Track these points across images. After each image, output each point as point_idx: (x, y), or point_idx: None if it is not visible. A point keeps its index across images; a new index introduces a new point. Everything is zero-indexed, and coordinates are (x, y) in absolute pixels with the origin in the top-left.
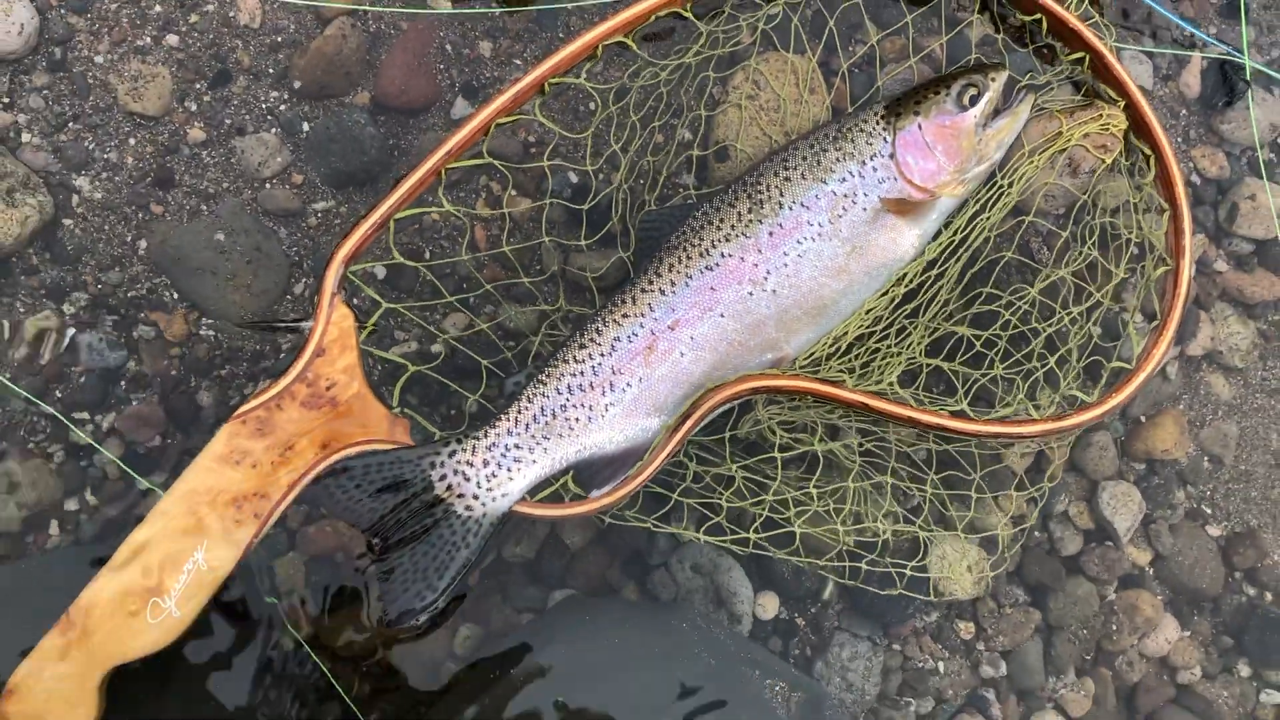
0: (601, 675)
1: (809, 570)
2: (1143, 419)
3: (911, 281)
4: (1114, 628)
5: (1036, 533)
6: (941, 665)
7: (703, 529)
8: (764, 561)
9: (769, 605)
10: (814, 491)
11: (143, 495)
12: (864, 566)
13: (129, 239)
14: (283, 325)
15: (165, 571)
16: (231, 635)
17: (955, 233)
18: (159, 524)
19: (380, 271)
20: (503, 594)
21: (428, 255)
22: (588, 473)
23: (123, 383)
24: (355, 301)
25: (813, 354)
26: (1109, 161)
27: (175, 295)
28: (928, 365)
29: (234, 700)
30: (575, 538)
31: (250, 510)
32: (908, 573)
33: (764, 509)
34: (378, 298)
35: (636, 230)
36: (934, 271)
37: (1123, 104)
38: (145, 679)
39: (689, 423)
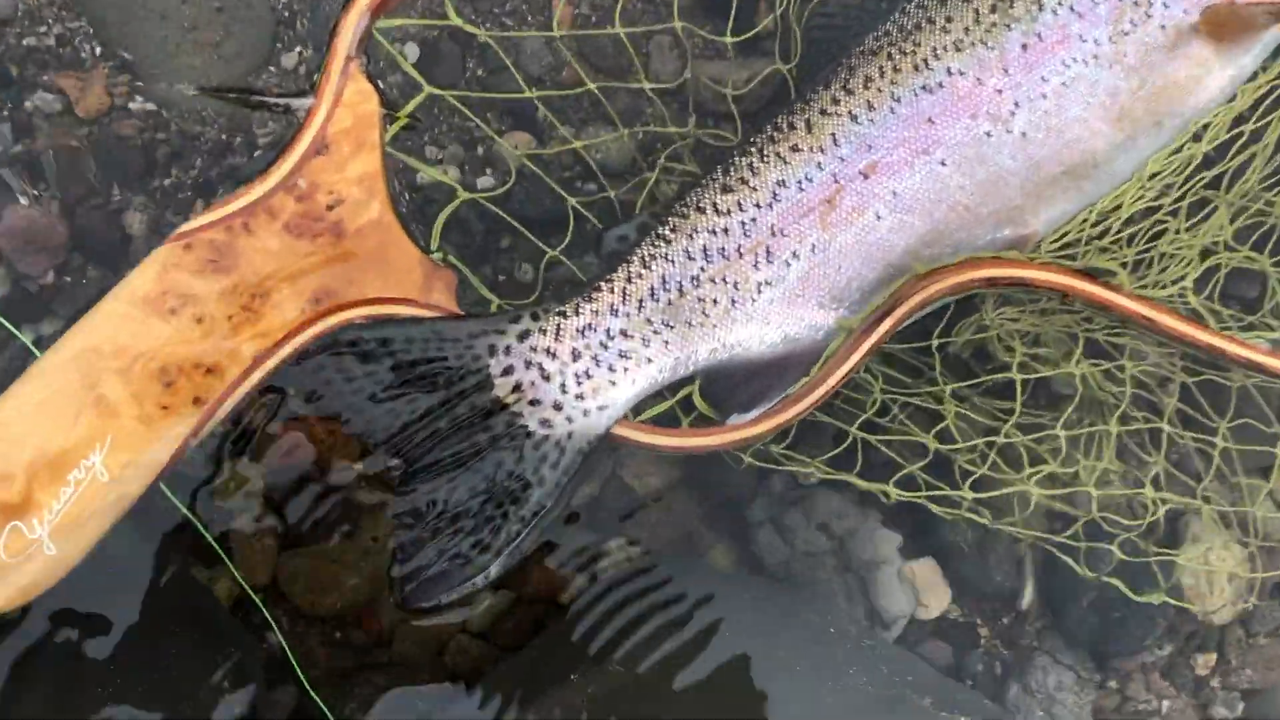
0: (710, 690)
1: (1004, 550)
2: None
3: (1215, 138)
4: None
5: None
6: (1166, 705)
7: (892, 480)
8: (927, 527)
9: (935, 599)
10: (1062, 435)
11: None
12: (1115, 548)
13: None
14: (267, 100)
15: (36, 481)
16: (145, 581)
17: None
18: (31, 400)
19: (412, 51)
20: (545, 544)
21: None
22: (725, 386)
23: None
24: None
25: (1065, 234)
26: None
27: (98, 48)
28: (1227, 262)
29: (148, 668)
30: (650, 475)
31: (188, 391)
32: (1150, 560)
33: (976, 458)
34: (418, 77)
35: (807, 24)
36: (1248, 128)
37: None
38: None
39: (887, 323)
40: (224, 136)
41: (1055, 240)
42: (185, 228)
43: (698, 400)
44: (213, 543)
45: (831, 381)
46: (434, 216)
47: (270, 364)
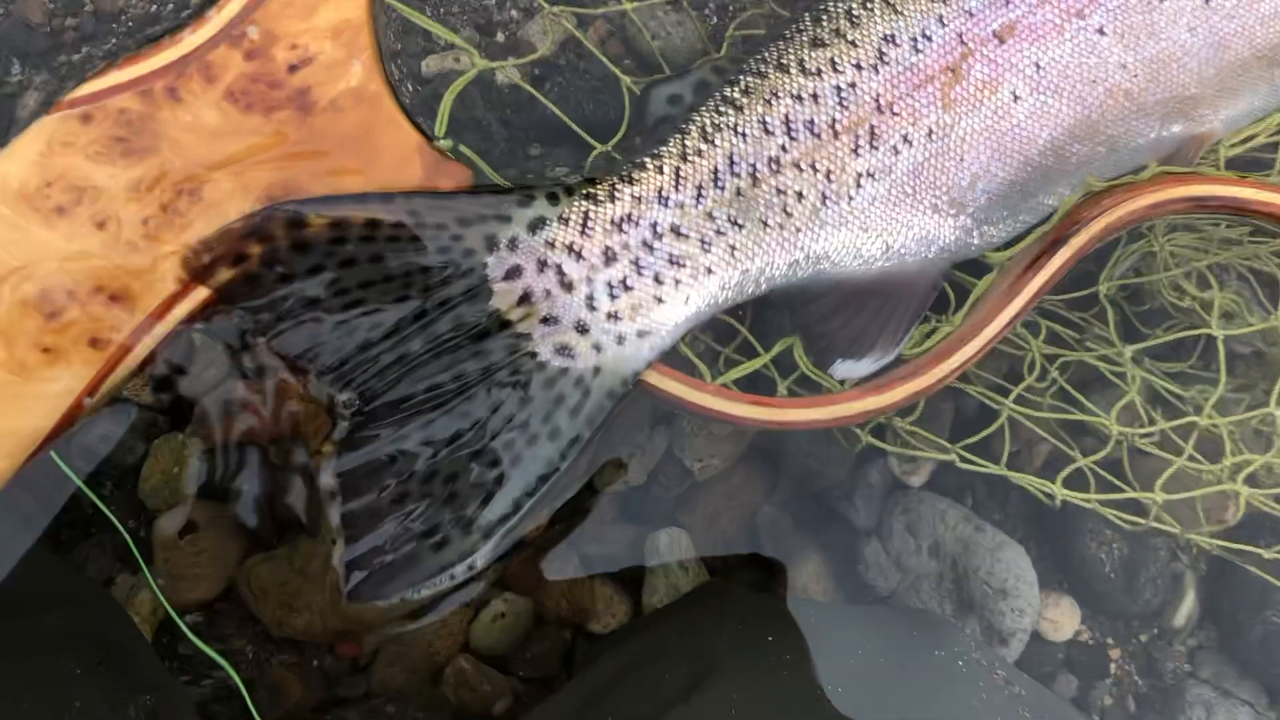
0: None
1: (1161, 561)
2: None
3: None
4: None
5: None
6: None
7: (1059, 478)
8: (1065, 539)
9: (1064, 619)
10: (1278, 414)
11: None
12: None
13: None
14: None
15: None
16: (28, 597)
17: None
18: None
19: None
20: (568, 538)
21: None
22: (817, 318)
23: None
24: None
25: (1251, 137)
26: None
27: None
28: None
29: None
30: (711, 456)
31: (83, 326)
32: None
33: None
34: None
35: None
36: None
37: None
38: None
39: (1062, 255)
40: (153, 6)
41: (1237, 145)
42: (83, 90)
43: (800, 358)
44: (129, 539)
45: (989, 333)
46: (455, 83)
47: (203, 291)
